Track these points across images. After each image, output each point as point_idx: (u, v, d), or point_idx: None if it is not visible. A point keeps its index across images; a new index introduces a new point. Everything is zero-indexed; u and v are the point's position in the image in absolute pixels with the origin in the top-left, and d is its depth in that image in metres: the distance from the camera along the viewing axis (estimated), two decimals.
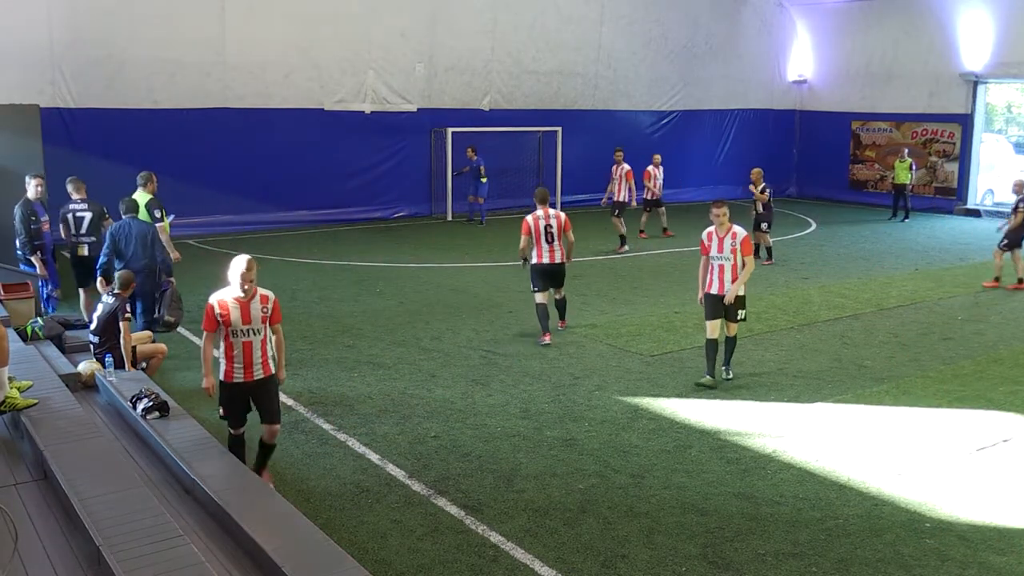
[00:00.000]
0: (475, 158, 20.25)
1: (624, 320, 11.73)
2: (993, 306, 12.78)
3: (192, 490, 5.69)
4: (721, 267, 8.84)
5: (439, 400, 8.56)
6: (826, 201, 25.87)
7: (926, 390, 8.98)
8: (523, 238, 10.79)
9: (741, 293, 8.91)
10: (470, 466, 7.04)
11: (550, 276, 10.76)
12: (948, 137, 23.89)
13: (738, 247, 8.78)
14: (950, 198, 23.85)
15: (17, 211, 10.32)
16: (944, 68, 23.64)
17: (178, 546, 4.60)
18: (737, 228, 8.89)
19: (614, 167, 17.69)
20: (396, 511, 6.25)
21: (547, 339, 10.62)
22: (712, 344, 8.99)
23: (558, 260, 10.68)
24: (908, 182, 22.04)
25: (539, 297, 10.71)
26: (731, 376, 9.19)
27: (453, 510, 6.27)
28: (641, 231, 18.65)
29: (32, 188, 10.51)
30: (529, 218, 10.69)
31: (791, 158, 27.46)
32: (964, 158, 23.67)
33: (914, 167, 22.26)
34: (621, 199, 17.47)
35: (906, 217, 22.05)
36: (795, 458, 7.25)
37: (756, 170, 16.20)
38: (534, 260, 10.74)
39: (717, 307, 8.92)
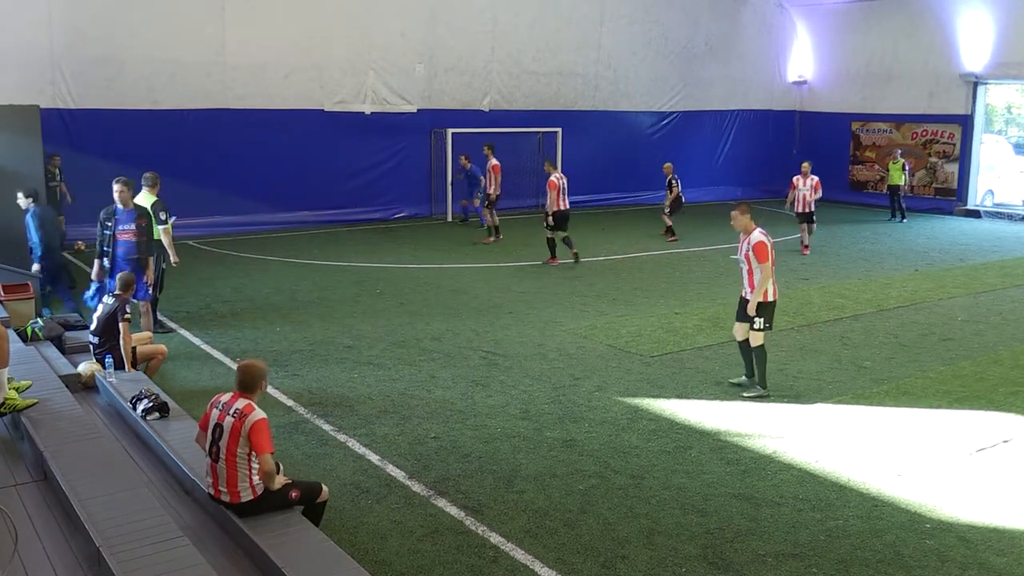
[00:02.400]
0: (469, 166, 20.16)
1: (624, 320, 11.72)
2: (993, 307, 12.77)
3: (192, 490, 5.69)
4: (741, 270, 8.81)
5: (439, 401, 8.55)
6: (826, 201, 25.71)
7: (926, 391, 8.98)
8: (551, 193, 15.28)
9: (772, 299, 8.67)
10: (470, 467, 7.03)
11: (568, 218, 15.56)
12: (948, 138, 23.89)
13: (750, 252, 8.58)
14: (950, 199, 23.84)
15: (102, 214, 10.18)
16: (944, 69, 23.63)
17: (178, 546, 4.59)
18: (755, 233, 8.61)
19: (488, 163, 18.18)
20: (396, 512, 6.25)
21: (556, 262, 15.37)
22: (740, 344, 8.97)
23: (568, 206, 15.58)
24: (902, 183, 22.05)
25: (550, 233, 15.46)
26: (748, 389, 8.84)
27: (453, 511, 6.27)
28: (805, 245, 17.53)
29: (116, 194, 10.14)
30: (554, 178, 15.42)
31: (791, 159, 27.39)
32: (964, 159, 23.67)
33: (907, 168, 22.26)
34: (492, 192, 18.13)
35: (903, 218, 22.06)
36: (795, 459, 7.25)
37: (666, 164, 18.94)
38: (560, 208, 15.31)
39: (740, 310, 8.88)
